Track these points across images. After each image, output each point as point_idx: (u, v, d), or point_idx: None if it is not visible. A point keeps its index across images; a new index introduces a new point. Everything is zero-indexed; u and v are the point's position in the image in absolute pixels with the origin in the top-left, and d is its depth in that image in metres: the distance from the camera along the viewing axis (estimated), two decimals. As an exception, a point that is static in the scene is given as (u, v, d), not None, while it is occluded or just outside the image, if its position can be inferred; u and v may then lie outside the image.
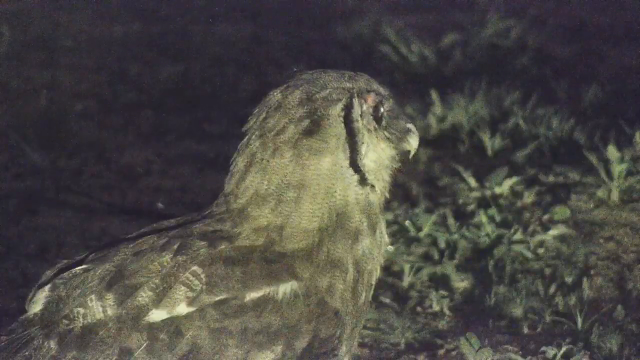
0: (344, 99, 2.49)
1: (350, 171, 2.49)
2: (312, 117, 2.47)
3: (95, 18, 7.87)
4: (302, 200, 2.46)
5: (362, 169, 2.49)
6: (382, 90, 2.55)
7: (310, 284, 2.42)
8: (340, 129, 2.48)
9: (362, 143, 2.50)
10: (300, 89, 2.51)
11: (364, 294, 2.50)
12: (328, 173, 2.48)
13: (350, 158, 2.48)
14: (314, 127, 2.47)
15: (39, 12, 7.71)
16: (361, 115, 2.50)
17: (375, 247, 2.52)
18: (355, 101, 2.49)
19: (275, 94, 2.53)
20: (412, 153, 2.60)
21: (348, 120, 2.48)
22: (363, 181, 2.49)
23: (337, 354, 2.45)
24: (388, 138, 2.53)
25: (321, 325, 2.41)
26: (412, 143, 2.58)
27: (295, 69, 2.61)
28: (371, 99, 2.52)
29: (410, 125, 2.58)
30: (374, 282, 2.54)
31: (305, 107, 2.48)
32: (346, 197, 2.49)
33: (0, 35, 6.96)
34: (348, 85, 2.51)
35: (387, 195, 2.56)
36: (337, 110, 2.49)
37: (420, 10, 7.98)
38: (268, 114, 2.51)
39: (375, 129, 2.52)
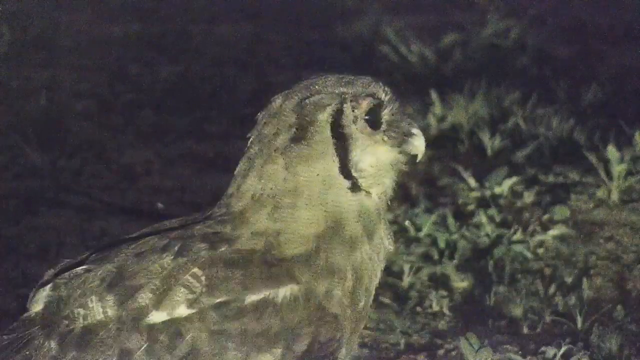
0: (332, 104, 2.47)
1: (342, 177, 2.48)
2: (300, 123, 2.47)
3: (95, 18, 7.87)
4: (297, 207, 2.46)
5: (353, 174, 2.47)
6: (383, 93, 2.53)
7: (308, 288, 2.42)
8: (327, 134, 2.47)
9: (354, 149, 2.48)
10: (298, 94, 2.50)
11: (363, 300, 2.49)
12: (319, 179, 2.46)
13: (341, 164, 2.47)
14: (300, 134, 2.46)
15: (39, 12, 7.71)
16: (354, 120, 2.48)
17: (374, 254, 2.51)
18: (347, 106, 2.48)
19: (277, 99, 2.53)
20: (420, 157, 2.57)
21: (337, 126, 2.47)
22: (355, 187, 2.48)
23: (337, 356, 2.44)
24: (387, 142, 2.52)
25: (321, 328, 2.41)
26: (417, 145, 2.55)
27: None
28: (365, 103, 2.50)
29: (415, 129, 2.55)
30: (373, 288, 2.53)
31: (296, 113, 2.48)
32: (339, 204, 2.47)
33: (0, 35, 6.96)
34: (343, 89, 2.49)
35: (389, 199, 2.55)
36: (324, 116, 2.47)
37: (420, 10, 7.99)
38: (267, 120, 2.51)
39: (371, 134, 2.50)
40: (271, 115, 2.50)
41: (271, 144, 2.47)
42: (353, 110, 2.48)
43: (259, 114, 2.55)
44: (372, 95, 2.50)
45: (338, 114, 2.46)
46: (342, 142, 2.46)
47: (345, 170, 2.46)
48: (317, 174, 2.45)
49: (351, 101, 2.48)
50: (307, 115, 2.46)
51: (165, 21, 7.90)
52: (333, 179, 2.46)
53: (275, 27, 7.80)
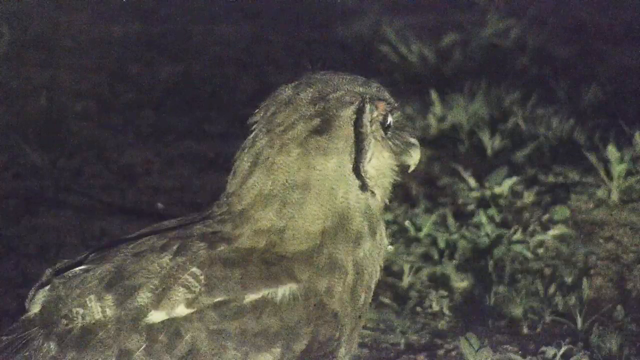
0: (356, 103, 2.48)
1: (353, 175, 2.48)
2: (323, 116, 2.47)
3: (95, 18, 7.87)
4: (306, 202, 2.46)
5: (363, 174, 2.48)
6: (392, 100, 2.55)
7: (308, 285, 2.42)
8: (349, 131, 2.47)
9: (368, 149, 2.49)
10: (313, 87, 2.50)
11: (363, 296, 2.50)
12: (332, 174, 2.47)
13: (354, 162, 2.48)
14: (323, 127, 2.46)
15: (39, 12, 7.71)
16: (370, 122, 2.50)
17: (375, 250, 2.52)
18: (367, 106, 2.49)
19: (286, 89, 2.52)
20: (412, 168, 2.59)
21: (358, 125, 2.48)
22: (364, 186, 2.49)
23: (336, 356, 2.45)
24: (391, 148, 2.53)
25: (320, 327, 2.41)
26: (414, 157, 2.58)
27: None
28: (382, 107, 2.52)
29: (414, 140, 2.57)
30: (373, 285, 2.54)
31: (317, 106, 2.47)
32: (348, 200, 2.48)
33: (0, 35, 6.96)
34: (361, 89, 2.51)
35: (387, 202, 2.56)
36: (349, 112, 2.48)
37: (420, 10, 7.98)
38: (277, 109, 2.50)
39: (382, 138, 2.52)
40: (283, 104, 2.49)
41: (285, 133, 2.47)
42: (372, 112, 2.49)
43: (261, 104, 2.54)
44: (385, 99, 2.52)
45: (359, 112, 2.47)
46: (358, 141, 2.47)
47: (357, 169, 2.47)
48: (332, 169, 2.46)
49: (370, 102, 2.48)
50: (330, 109, 2.47)
51: (165, 21, 7.90)
52: (345, 176, 2.47)
53: (275, 27, 7.80)
